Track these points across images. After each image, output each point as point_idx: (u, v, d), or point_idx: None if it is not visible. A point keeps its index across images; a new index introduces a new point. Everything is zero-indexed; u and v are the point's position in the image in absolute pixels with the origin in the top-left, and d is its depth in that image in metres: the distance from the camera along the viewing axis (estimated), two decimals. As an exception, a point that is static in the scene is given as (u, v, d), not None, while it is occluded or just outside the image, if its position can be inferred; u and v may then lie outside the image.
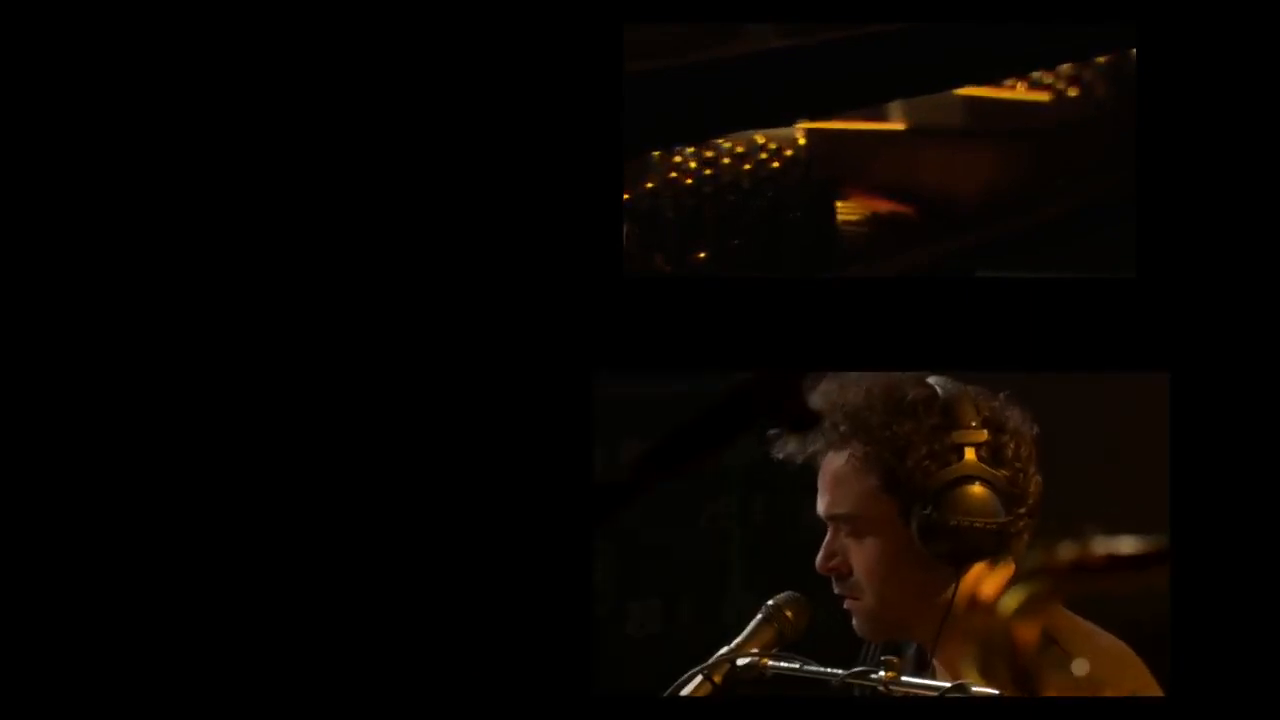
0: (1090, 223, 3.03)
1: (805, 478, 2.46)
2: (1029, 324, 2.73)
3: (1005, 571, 2.33)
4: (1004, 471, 2.35)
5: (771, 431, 2.32)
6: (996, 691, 2.12)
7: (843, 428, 2.37)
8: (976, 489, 2.34)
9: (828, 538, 2.42)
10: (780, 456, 2.41)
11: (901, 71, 2.84)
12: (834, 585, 2.41)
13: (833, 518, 2.41)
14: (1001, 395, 2.41)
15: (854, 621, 2.42)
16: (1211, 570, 2.60)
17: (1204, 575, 2.60)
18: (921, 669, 2.41)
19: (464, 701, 2.70)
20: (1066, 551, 1.09)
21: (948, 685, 2.21)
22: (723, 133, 3.09)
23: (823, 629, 2.45)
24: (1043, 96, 3.31)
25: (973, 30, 2.79)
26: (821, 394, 2.39)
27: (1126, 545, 1.09)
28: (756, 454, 2.38)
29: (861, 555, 2.39)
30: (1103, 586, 1.10)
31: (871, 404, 2.38)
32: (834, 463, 2.40)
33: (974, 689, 2.17)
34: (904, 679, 2.26)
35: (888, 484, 2.36)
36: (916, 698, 2.24)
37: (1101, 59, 3.35)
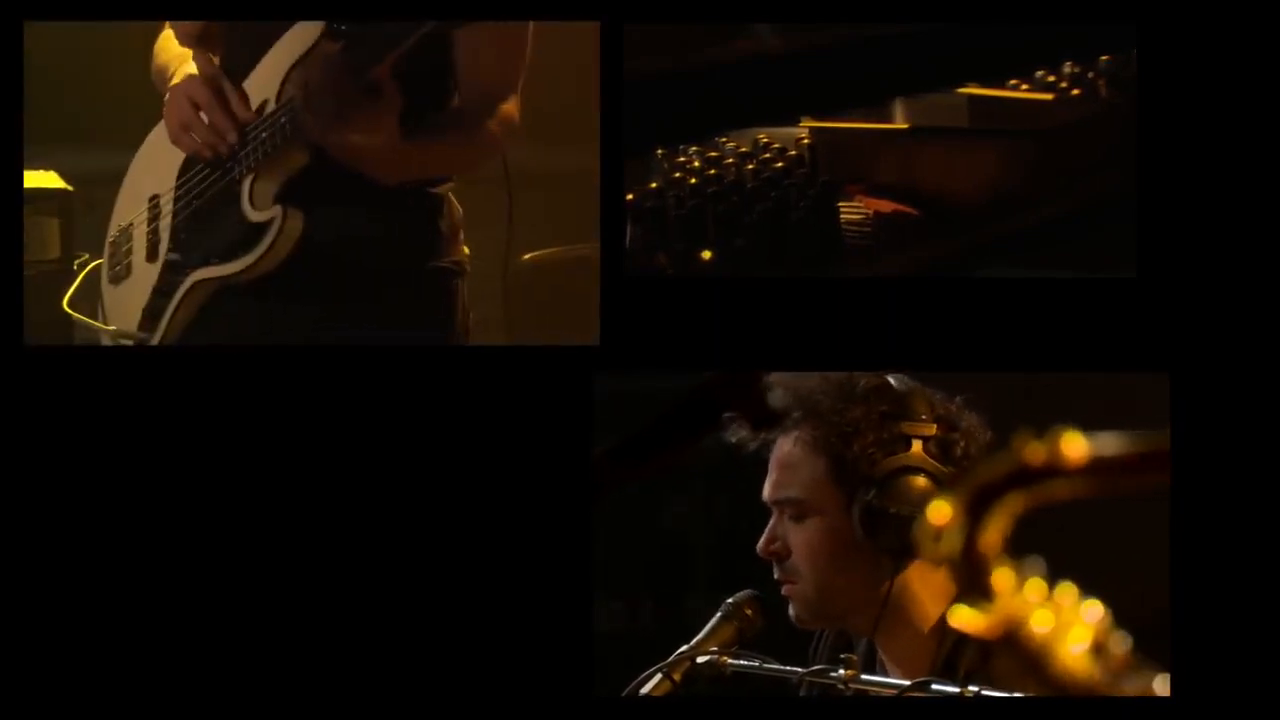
0: (1090, 223, 3.03)
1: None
2: (1029, 324, 2.74)
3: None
4: (950, 469, 2.36)
5: (727, 415, 2.33)
6: (958, 689, 2.13)
7: (795, 413, 2.39)
8: (920, 480, 2.35)
9: (771, 522, 2.43)
10: (733, 441, 2.42)
11: (905, 71, 2.85)
12: (774, 570, 2.42)
13: (778, 502, 2.42)
14: (959, 398, 2.42)
15: (790, 608, 2.42)
16: (1211, 570, 2.60)
17: (1204, 575, 2.60)
18: (871, 661, 2.42)
19: (465, 702, 2.70)
20: (1035, 453, 1.07)
21: (908, 684, 2.21)
22: (725, 132, 3.09)
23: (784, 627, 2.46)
24: (1045, 96, 3.31)
25: (975, 30, 2.79)
26: (777, 382, 2.41)
27: (1102, 445, 1.07)
28: (719, 453, 2.39)
29: (802, 539, 2.40)
30: (1075, 490, 1.08)
31: (824, 389, 2.39)
32: (784, 447, 2.42)
33: (935, 685, 2.18)
34: (864, 677, 2.27)
35: (834, 469, 2.37)
36: (877, 696, 2.25)
37: (1105, 58, 3.35)
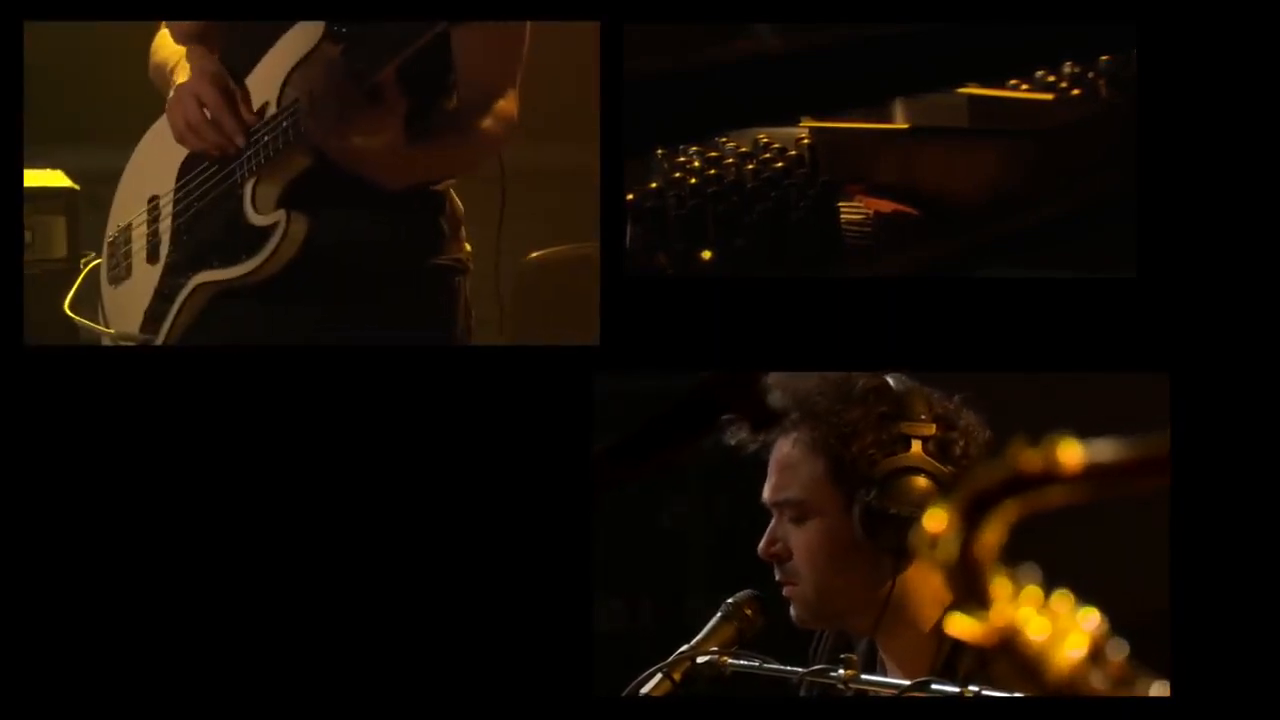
0: (1090, 223, 3.04)
1: (766, 478, 2.48)
2: (1029, 324, 2.74)
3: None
4: (950, 468, 2.36)
5: (726, 417, 2.33)
6: (958, 689, 2.13)
7: (794, 414, 2.39)
8: (920, 481, 2.34)
9: (772, 524, 2.43)
10: (733, 443, 2.41)
11: (905, 71, 2.85)
12: (774, 572, 2.42)
13: (777, 503, 2.42)
14: (957, 397, 2.41)
15: (791, 609, 2.42)
16: (1211, 570, 2.60)
17: (1204, 575, 2.60)
18: (872, 661, 2.42)
19: (465, 702, 2.70)
20: (1031, 460, 1.08)
21: (908, 684, 2.21)
22: (725, 132, 3.09)
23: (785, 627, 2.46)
24: (1045, 96, 3.31)
25: (975, 30, 2.79)
26: (775, 383, 2.41)
27: (1098, 452, 1.08)
28: (718, 453, 2.39)
29: (802, 540, 2.40)
30: (1071, 497, 1.08)
31: (822, 389, 2.39)
32: (783, 448, 2.42)
33: (935, 685, 2.18)
34: (864, 677, 2.27)
35: (834, 470, 2.37)
36: (877, 696, 2.25)
37: (1105, 58, 3.36)
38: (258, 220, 2.81)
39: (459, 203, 2.93)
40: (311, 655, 2.69)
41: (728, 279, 2.80)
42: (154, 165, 3.02)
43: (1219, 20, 2.67)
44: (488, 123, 2.83)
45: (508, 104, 2.85)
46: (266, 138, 2.78)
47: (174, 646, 2.69)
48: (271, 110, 2.80)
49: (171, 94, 2.88)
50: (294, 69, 2.78)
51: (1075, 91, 3.36)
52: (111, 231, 3.10)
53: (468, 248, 2.93)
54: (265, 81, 2.82)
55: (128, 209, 3.07)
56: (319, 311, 2.83)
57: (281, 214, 2.80)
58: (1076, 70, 3.39)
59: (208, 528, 2.70)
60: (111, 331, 3.02)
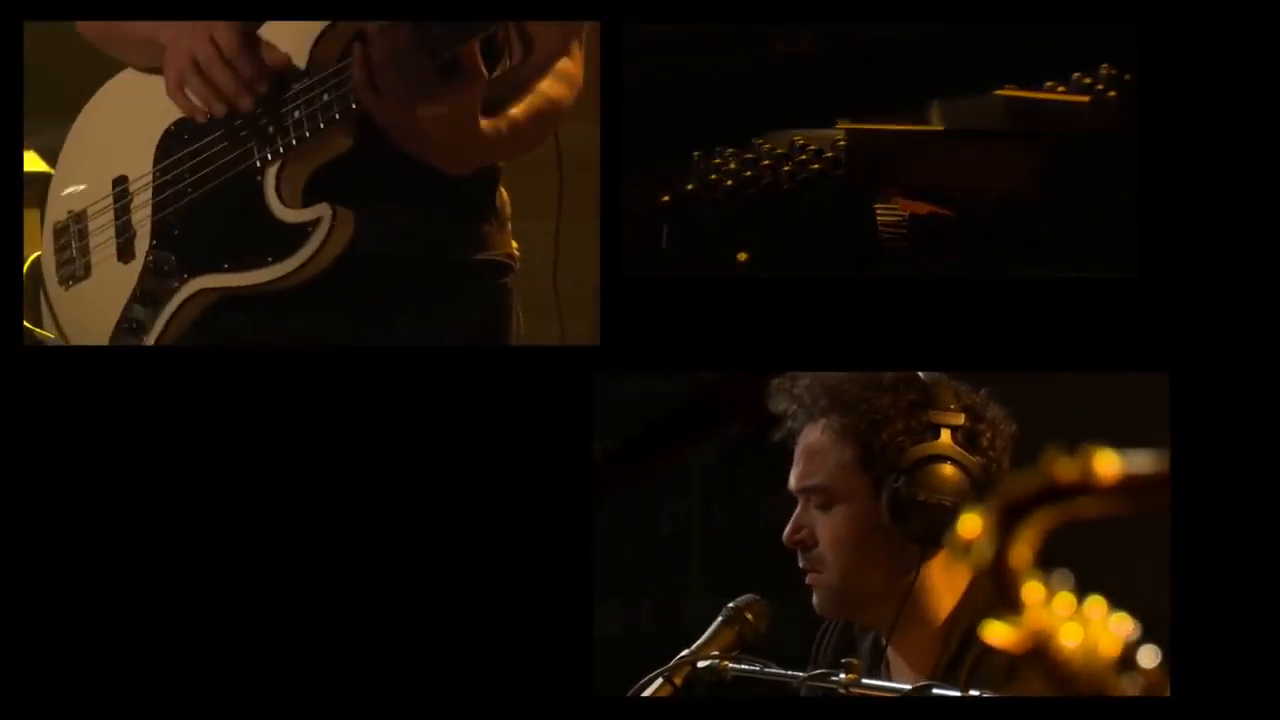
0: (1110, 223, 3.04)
1: (765, 481, 2.48)
2: (1029, 324, 2.74)
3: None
4: (977, 458, 2.38)
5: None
6: (958, 692, 2.14)
7: (823, 401, 2.41)
8: (948, 469, 2.36)
9: (797, 510, 2.44)
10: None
11: (940, 73, 2.85)
12: (799, 559, 2.43)
13: (804, 490, 2.43)
14: (983, 390, 2.43)
15: (814, 597, 2.43)
16: (1212, 570, 2.61)
17: (1204, 575, 2.61)
18: (877, 658, 2.43)
19: (465, 702, 2.70)
20: (1066, 470, 1.08)
21: (908, 687, 2.22)
22: (762, 134, 3.08)
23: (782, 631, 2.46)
24: (1082, 98, 3.30)
25: (1012, 31, 2.80)
26: (805, 374, 2.43)
27: (1135, 463, 1.09)
28: (719, 455, 2.40)
29: (829, 527, 2.41)
30: (1105, 508, 1.09)
31: (852, 378, 2.42)
32: (811, 435, 2.43)
33: (935, 690, 2.18)
34: (865, 681, 2.27)
35: (862, 458, 2.39)
36: (880, 699, 2.26)
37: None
38: (288, 215, 2.43)
39: (505, 192, 2.65)
40: (312, 656, 2.69)
41: (728, 279, 2.80)
42: (116, 140, 2.59)
43: (1219, 21, 2.68)
44: (550, 84, 2.52)
45: (572, 64, 2.55)
46: (298, 113, 2.38)
47: (176, 648, 2.69)
48: (302, 81, 2.41)
49: (171, 33, 2.43)
50: (323, 33, 2.38)
51: (1111, 94, 3.34)
52: (59, 215, 2.64)
53: (514, 244, 2.67)
54: (285, 44, 2.44)
55: (81, 189, 2.63)
56: (345, 323, 2.55)
57: (325, 209, 2.40)
58: (1113, 73, 3.38)
59: (206, 530, 2.69)
60: (68, 342, 2.61)
